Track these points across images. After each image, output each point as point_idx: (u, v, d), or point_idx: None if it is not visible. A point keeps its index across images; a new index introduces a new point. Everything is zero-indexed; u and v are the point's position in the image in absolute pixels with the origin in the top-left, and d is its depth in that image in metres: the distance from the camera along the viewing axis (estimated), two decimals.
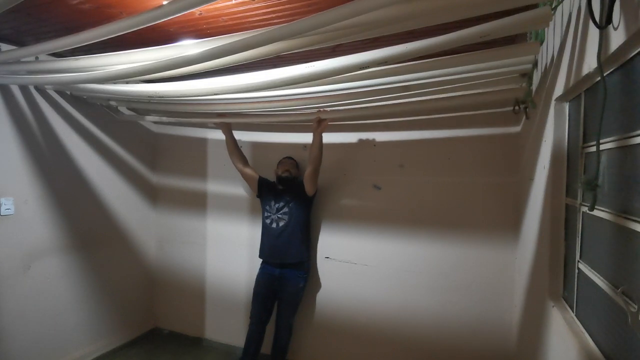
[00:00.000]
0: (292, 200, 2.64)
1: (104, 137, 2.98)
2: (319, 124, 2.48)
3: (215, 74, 1.81)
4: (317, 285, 2.84)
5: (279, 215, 2.65)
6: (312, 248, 2.81)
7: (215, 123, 2.80)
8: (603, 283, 1.08)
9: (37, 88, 2.51)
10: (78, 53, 2.17)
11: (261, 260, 2.75)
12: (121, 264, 3.15)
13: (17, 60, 2.00)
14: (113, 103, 2.82)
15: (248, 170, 2.77)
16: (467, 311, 2.42)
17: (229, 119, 2.69)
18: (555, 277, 1.48)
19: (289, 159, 2.77)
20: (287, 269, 2.63)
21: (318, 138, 2.50)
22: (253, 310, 2.68)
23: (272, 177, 2.81)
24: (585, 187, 1.10)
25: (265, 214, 2.70)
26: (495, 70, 1.69)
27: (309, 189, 2.58)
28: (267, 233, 2.69)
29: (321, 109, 2.42)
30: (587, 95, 1.26)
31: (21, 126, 2.43)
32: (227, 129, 2.75)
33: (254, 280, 2.73)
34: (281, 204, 2.66)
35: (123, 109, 3.04)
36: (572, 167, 1.41)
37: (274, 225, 2.65)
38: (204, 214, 3.26)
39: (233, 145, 2.77)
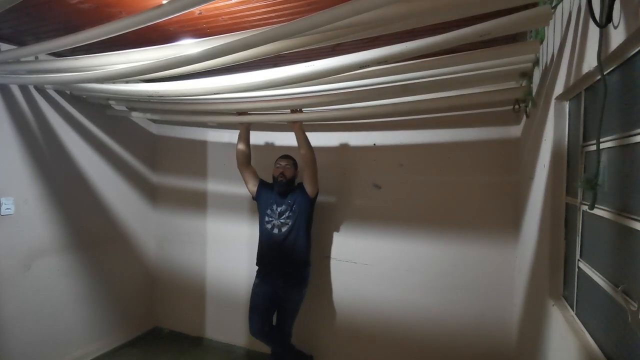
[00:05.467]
0: (295, 204, 2.51)
1: (104, 136, 2.98)
2: (293, 122, 2.46)
3: (215, 73, 1.81)
4: (317, 284, 2.84)
5: (281, 221, 2.51)
6: (313, 248, 2.79)
7: (237, 122, 2.65)
8: (603, 282, 1.08)
9: (36, 88, 2.51)
10: (78, 52, 2.17)
11: (257, 267, 2.61)
12: (121, 263, 3.15)
13: (17, 59, 2.00)
14: (113, 102, 2.81)
15: (250, 172, 2.64)
16: (467, 310, 2.42)
17: (249, 117, 2.56)
18: (556, 276, 1.48)
19: (286, 158, 2.60)
20: (290, 278, 2.52)
21: (300, 135, 2.43)
22: (256, 325, 2.48)
23: (270, 179, 2.69)
24: (586, 185, 1.10)
25: (266, 219, 2.55)
26: (495, 69, 1.69)
27: (310, 190, 2.49)
28: (268, 239, 2.53)
29: (296, 109, 2.37)
30: (587, 94, 1.26)
31: (21, 126, 2.43)
32: (247, 128, 2.65)
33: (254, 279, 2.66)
34: (283, 207, 2.52)
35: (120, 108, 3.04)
36: (572, 166, 1.41)
37: (276, 231, 2.50)
38: (204, 214, 3.26)
39: (246, 140, 2.63)
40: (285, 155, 2.64)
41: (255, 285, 2.58)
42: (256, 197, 2.65)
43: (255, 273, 2.63)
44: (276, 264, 2.52)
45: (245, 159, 2.64)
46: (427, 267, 2.52)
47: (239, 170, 2.67)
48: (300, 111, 2.43)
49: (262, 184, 2.65)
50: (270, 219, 2.55)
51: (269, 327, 2.53)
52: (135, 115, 2.95)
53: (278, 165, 2.58)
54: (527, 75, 1.80)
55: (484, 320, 2.38)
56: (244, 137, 2.64)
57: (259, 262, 2.61)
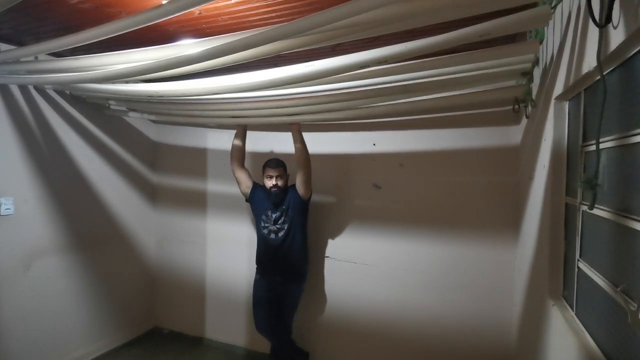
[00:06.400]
0: (289, 208, 2.50)
1: (104, 136, 2.98)
2: (291, 123, 2.46)
3: (215, 73, 1.81)
4: (316, 284, 2.84)
5: (277, 227, 2.50)
6: (312, 248, 2.79)
7: (234, 123, 2.65)
8: (603, 282, 1.08)
9: (36, 88, 2.51)
10: (77, 53, 2.16)
11: (256, 265, 2.66)
12: (121, 263, 3.15)
13: (17, 60, 2.00)
14: (112, 103, 2.81)
15: (243, 173, 2.61)
16: (467, 310, 2.42)
17: (247, 119, 2.57)
18: (555, 276, 1.49)
19: (276, 168, 2.49)
20: (288, 275, 2.56)
21: (297, 136, 2.44)
22: (261, 318, 2.54)
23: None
24: (585, 185, 1.11)
25: (262, 224, 2.54)
26: (495, 70, 1.69)
27: (303, 193, 2.47)
28: (265, 244, 2.55)
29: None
30: (586, 94, 1.27)
31: (21, 126, 2.43)
32: (244, 128, 2.64)
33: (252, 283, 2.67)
34: (278, 213, 2.51)
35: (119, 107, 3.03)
36: (572, 166, 1.41)
37: (272, 236, 2.51)
38: (204, 214, 3.26)
39: (242, 141, 2.62)
40: (274, 163, 2.52)
41: (256, 281, 2.63)
42: (249, 200, 2.63)
43: (255, 269, 2.67)
44: (274, 266, 2.56)
45: (240, 159, 2.63)
46: (427, 267, 2.53)
47: (232, 171, 2.64)
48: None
49: (255, 187, 2.61)
50: (266, 224, 2.54)
51: (273, 321, 2.57)
52: (133, 116, 2.94)
53: (269, 175, 2.48)
54: (526, 75, 1.80)
55: (484, 320, 2.38)
56: (241, 137, 2.63)
57: (257, 262, 2.64)
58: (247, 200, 2.66)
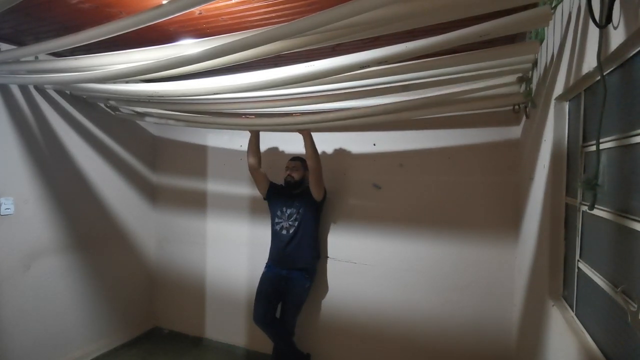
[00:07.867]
0: (302, 206, 2.62)
1: (104, 137, 2.98)
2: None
3: (215, 73, 1.81)
4: (316, 284, 2.84)
5: (290, 223, 2.63)
6: (315, 249, 2.78)
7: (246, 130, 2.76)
8: (603, 282, 1.08)
9: (36, 88, 2.51)
10: (77, 52, 2.17)
11: (267, 259, 2.74)
12: (121, 263, 3.15)
13: (17, 59, 2.00)
14: (113, 102, 2.81)
15: (261, 175, 2.73)
16: (467, 310, 2.42)
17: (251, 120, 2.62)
18: (555, 276, 1.49)
19: (294, 160, 2.72)
20: (295, 271, 2.62)
21: (308, 140, 2.50)
22: (259, 310, 2.59)
23: (280, 181, 2.78)
24: (585, 186, 1.10)
25: (276, 220, 2.69)
26: (495, 70, 1.69)
27: (315, 194, 2.57)
28: (276, 240, 2.67)
29: (294, 114, 2.41)
30: (587, 95, 1.27)
31: (21, 126, 2.43)
32: (256, 134, 2.75)
33: (254, 279, 2.71)
34: (291, 210, 2.65)
35: (123, 108, 3.03)
36: (572, 166, 1.41)
37: (284, 232, 2.63)
38: (204, 214, 3.26)
39: (255, 145, 2.74)
40: (294, 157, 2.75)
41: (263, 274, 2.72)
42: (267, 198, 2.77)
43: (259, 265, 2.74)
44: (282, 261, 2.65)
45: (256, 163, 2.74)
46: (427, 268, 2.53)
47: (251, 174, 2.76)
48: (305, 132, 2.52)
49: (272, 186, 2.76)
50: (280, 220, 2.67)
51: (271, 317, 2.62)
52: (149, 120, 2.90)
53: (286, 167, 2.71)
54: (527, 75, 1.80)
55: (484, 321, 2.39)
56: (254, 143, 2.73)
57: (269, 257, 2.74)
58: (265, 199, 2.78)
